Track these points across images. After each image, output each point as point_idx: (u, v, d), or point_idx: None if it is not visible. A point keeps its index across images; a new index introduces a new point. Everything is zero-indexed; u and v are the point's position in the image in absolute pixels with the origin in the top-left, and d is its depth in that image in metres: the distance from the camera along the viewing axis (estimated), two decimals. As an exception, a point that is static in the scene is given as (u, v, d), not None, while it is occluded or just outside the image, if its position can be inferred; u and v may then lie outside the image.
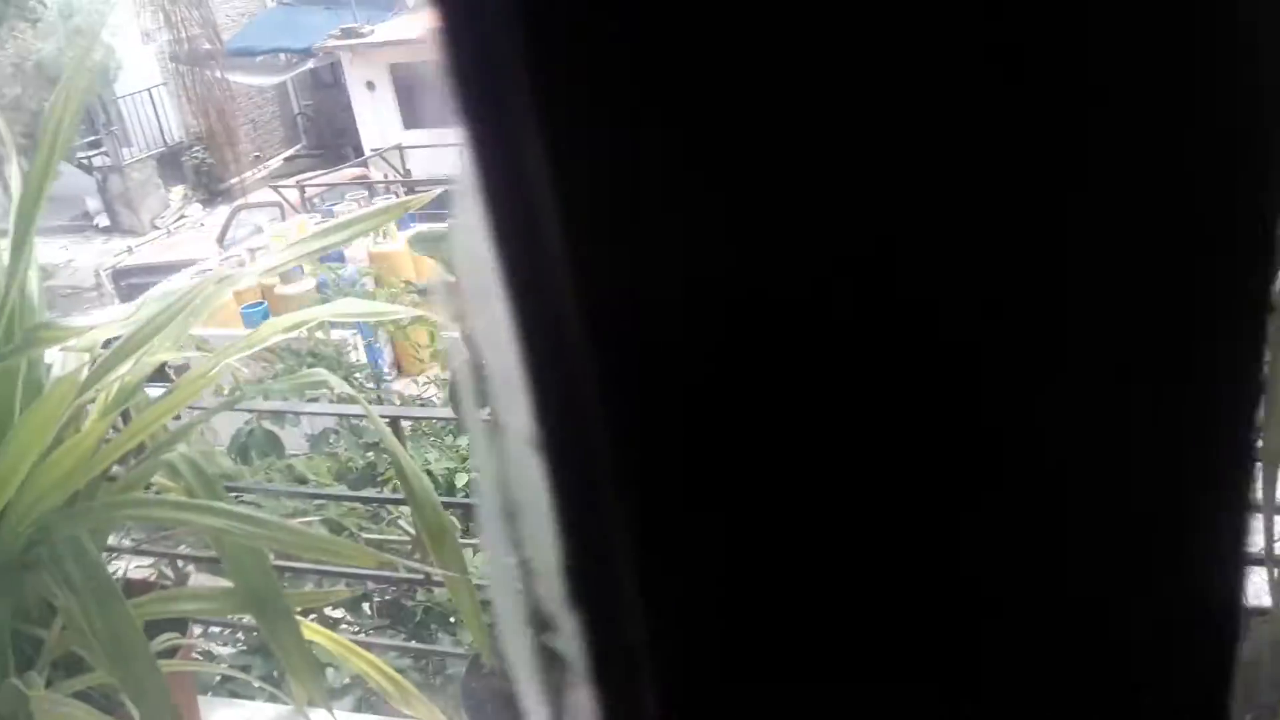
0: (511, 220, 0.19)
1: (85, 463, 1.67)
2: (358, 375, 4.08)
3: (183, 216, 14.57)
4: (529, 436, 0.19)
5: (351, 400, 2.13)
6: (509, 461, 0.21)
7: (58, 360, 1.98)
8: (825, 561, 0.19)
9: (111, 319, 1.94)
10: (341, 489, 3.25)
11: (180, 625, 2.09)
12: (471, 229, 0.19)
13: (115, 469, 1.97)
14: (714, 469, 0.18)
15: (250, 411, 3.12)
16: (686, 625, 0.19)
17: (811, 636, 0.19)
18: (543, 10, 0.17)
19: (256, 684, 2.61)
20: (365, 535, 3.14)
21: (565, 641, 0.20)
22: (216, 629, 2.99)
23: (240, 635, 2.96)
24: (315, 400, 3.59)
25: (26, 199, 1.78)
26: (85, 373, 1.76)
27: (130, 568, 2.73)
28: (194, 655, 2.25)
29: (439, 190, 2.66)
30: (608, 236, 0.18)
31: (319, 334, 3.80)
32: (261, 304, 7.28)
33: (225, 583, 2.53)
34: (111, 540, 2.24)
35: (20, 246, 1.75)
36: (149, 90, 14.56)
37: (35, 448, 1.62)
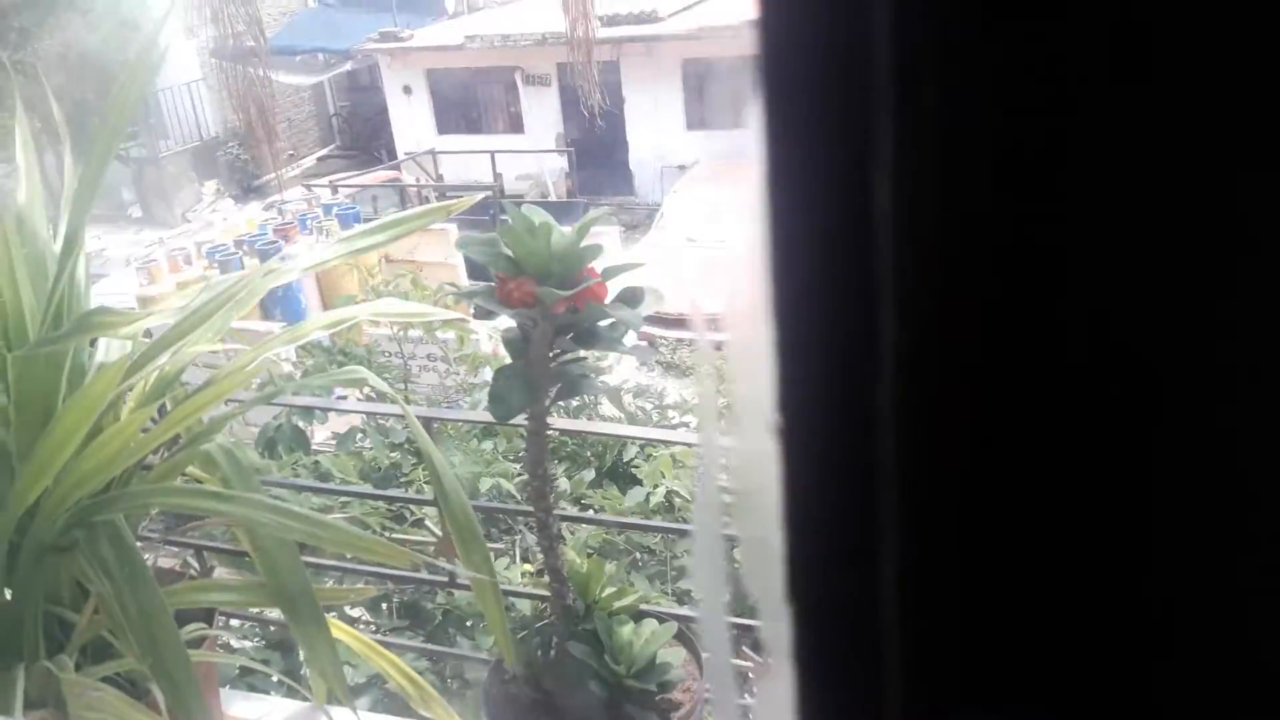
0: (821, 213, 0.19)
1: (124, 451, 1.68)
2: (387, 375, 4.10)
3: (215, 210, 14.71)
4: (772, 424, 0.19)
5: (388, 399, 2.14)
6: (738, 450, 0.21)
7: (101, 347, 2.00)
8: (1079, 581, 0.19)
9: (163, 309, 1.96)
10: (366, 487, 3.26)
11: (206, 616, 2.10)
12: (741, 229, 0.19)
13: (150, 456, 1.99)
14: (989, 488, 0.19)
15: (282, 406, 3.14)
16: (934, 629, 0.20)
17: (1055, 661, 0.20)
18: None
19: (275, 678, 2.62)
20: (390, 534, 3.15)
21: (770, 630, 0.21)
22: (235, 622, 3.00)
23: (258, 629, 2.97)
24: (344, 398, 3.62)
25: (82, 191, 1.80)
26: (128, 361, 1.78)
27: (156, 557, 2.76)
28: (216, 647, 2.26)
29: (479, 195, 2.67)
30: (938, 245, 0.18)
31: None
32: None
33: (250, 576, 2.55)
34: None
35: (73, 237, 1.78)
36: (188, 84, 14.73)
37: (77, 434, 1.63)
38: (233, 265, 7.82)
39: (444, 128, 15.38)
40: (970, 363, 0.18)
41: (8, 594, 1.76)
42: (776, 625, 0.21)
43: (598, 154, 14.32)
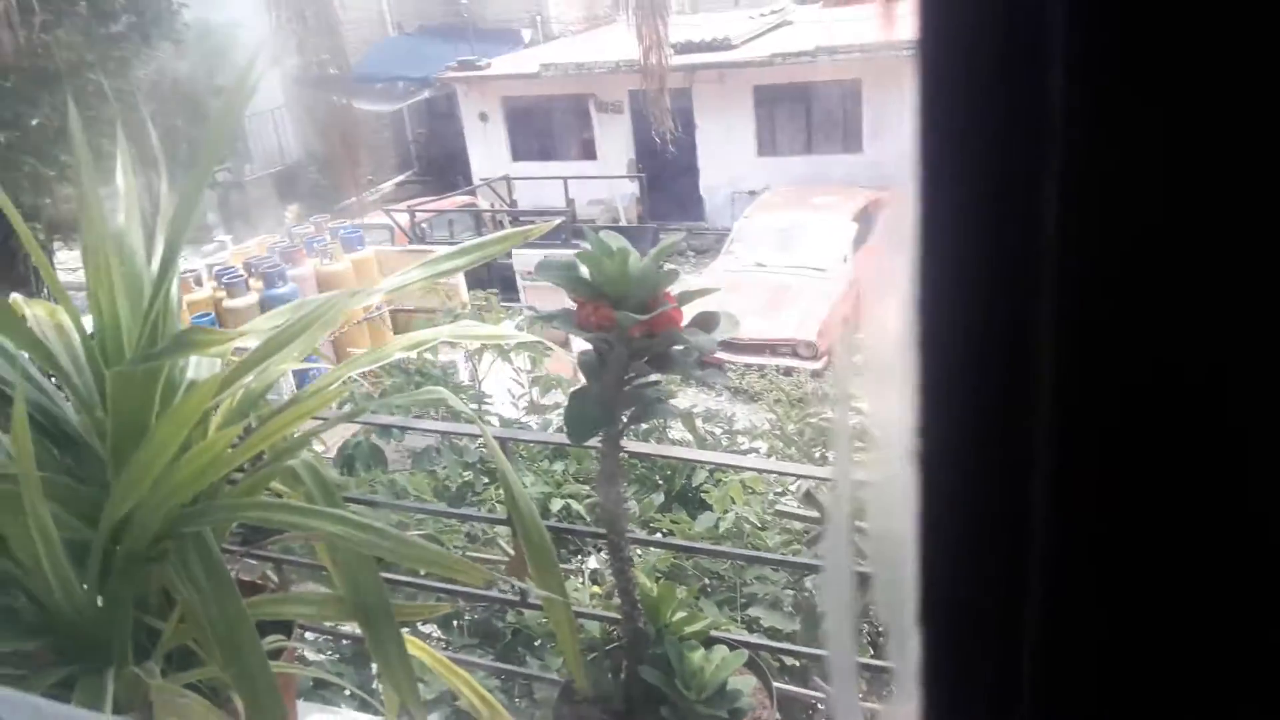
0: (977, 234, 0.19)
1: (213, 466, 1.74)
2: (461, 395, 4.17)
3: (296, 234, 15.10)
4: (912, 451, 0.20)
5: (465, 419, 2.18)
6: (876, 479, 0.22)
7: (192, 363, 2.07)
8: (1216, 629, 0.19)
9: (252, 329, 2.03)
10: (440, 505, 3.31)
11: (285, 628, 2.15)
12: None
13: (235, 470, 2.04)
14: (1141, 529, 0.19)
15: (360, 424, 3.21)
16: (1072, 664, 0.20)
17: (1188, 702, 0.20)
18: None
19: (349, 692, 2.66)
20: (463, 552, 3.20)
21: (896, 656, 0.21)
22: (310, 635, 3.06)
23: (331, 642, 3.03)
24: (421, 417, 3.68)
25: (178, 216, 1.87)
26: (218, 380, 1.84)
27: (236, 570, 2.83)
28: (294, 659, 2.30)
29: (555, 220, 2.72)
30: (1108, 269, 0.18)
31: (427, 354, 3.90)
32: (209, 315, 7.81)
33: (329, 589, 2.60)
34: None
35: (169, 259, 1.84)
36: (272, 111, 15.17)
37: (169, 449, 1.69)
38: (239, 287, 8.16)
39: (518, 154, 15.62)
40: (1133, 404, 0.18)
41: (99, 601, 1.82)
42: (904, 653, 0.21)
43: (668, 179, 14.40)
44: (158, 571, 1.87)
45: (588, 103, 15.18)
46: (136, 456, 1.69)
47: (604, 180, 14.12)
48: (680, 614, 2.04)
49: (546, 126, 15.77)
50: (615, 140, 15.19)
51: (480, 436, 2.14)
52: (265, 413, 2.07)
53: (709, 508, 3.20)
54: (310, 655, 2.99)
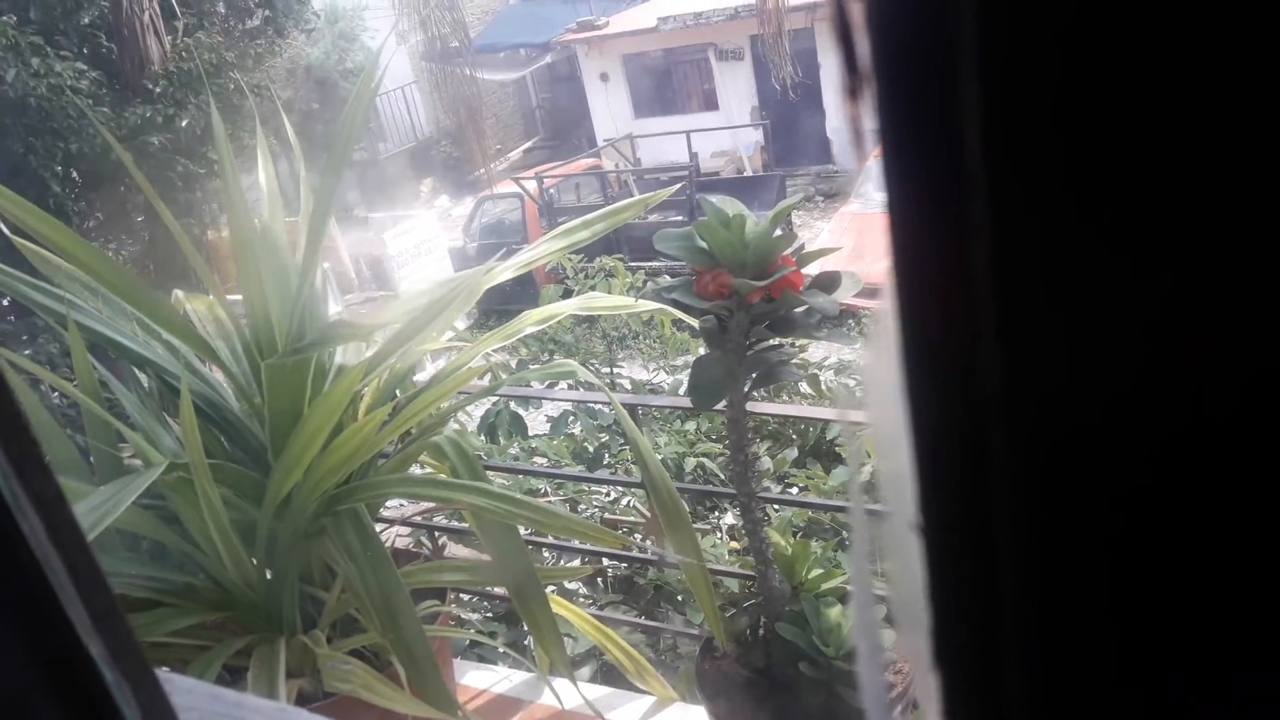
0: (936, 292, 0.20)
1: (364, 446, 1.84)
2: (593, 362, 4.25)
3: (432, 207, 15.52)
4: (913, 522, 0.22)
5: (594, 388, 2.24)
6: (890, 532, 0.24)
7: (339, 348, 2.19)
8: (1217, 686, 0.21)
9: (391, 313, 2.12)
10: (579, 469, 3.41)
11: (439, 593, 2.26)
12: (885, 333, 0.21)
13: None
14: (1120, 578, 0.21)
15: (499, 395, 3.32)
16: (1066, 700, 0.22)
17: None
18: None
19: (502, 650, 2.78)
20: (600, 514, 3.29)
21: (922, 697, 0.23)
22: (465, 597, 3.20)
23: (486, 604, 3.16)
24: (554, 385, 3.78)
25: (319, 207, 1.97)
26: (365, 365, 1.93)
27: (392, 536, 2.99)
28: (449, 622, 2.42)
29: (674, 187, 2.74)
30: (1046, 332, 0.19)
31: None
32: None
33: (477, 554, 2.72)
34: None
35: (312, 251, 1.94)
36: (402, 88, 15.57)
37: (323, 433, 1.80)
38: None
39: (640, 111, 15.61)
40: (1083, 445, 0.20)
41: (268, 575, 1.97)
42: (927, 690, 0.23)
43: (794, 124, 14.14)
44: (319, 546, 2.00)
45: (707, 52, 15.02)
46: (293, 441, 1.80)
47: (728, 130, 13.98)
48: (816, 571, 2.06)
49: (667, 80, 15.69)
50: (737, 88, 15.00)
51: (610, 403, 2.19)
52: (411, 391, 2.17)
53: (844, 461, 3.19)
54: (465, 615, 3.13)
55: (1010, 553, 0.21)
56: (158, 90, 5.21)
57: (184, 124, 5.22)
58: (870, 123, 0.20)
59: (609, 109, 15.61)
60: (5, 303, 4.45)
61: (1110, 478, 0.20)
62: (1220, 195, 0.18)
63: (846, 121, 0.22)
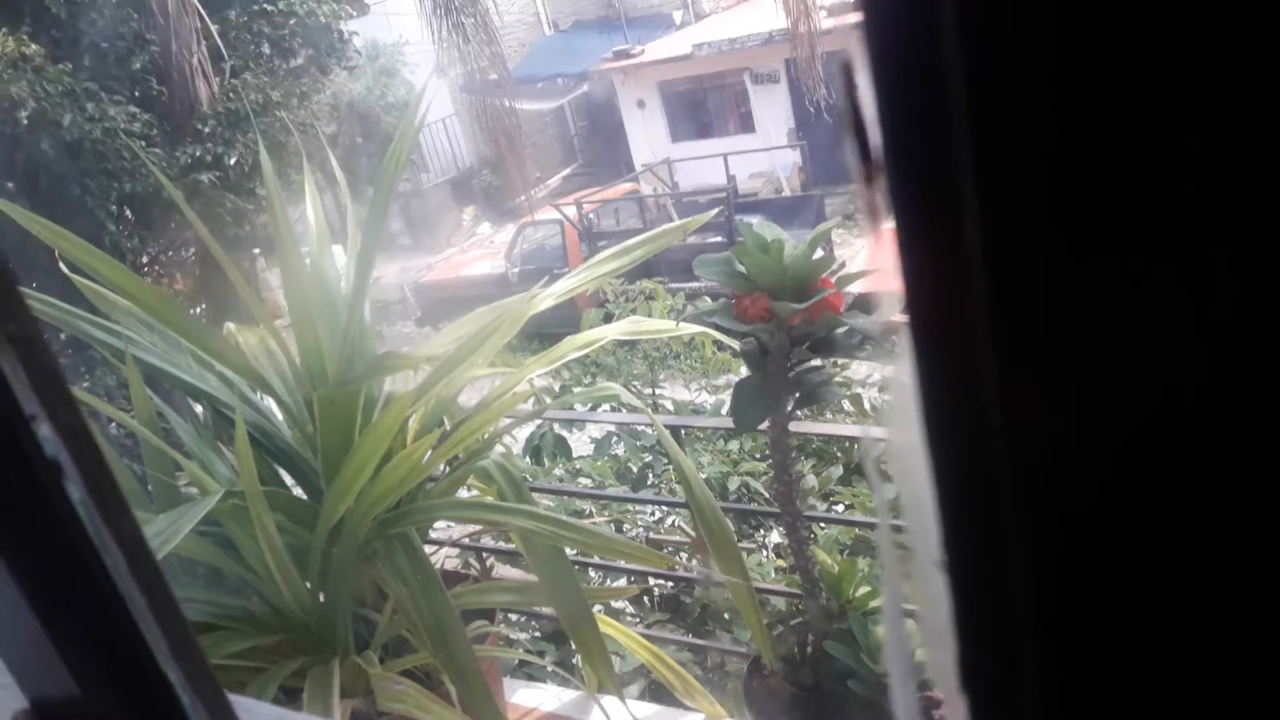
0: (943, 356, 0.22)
1: (413, 472, 1.88)
2: (635, 383, 4.28)
3: (474, 235, 15.70)
4: (936, 560, 0.24)
5: (637, 410, 2.27)
6: (916, 566, 0.26)
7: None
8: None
9: (437, 344, 2.16)
10: (623, 489, 3.43)
11: (488, 613, 2.29)
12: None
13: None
14: (1127, 615, 0.22)
15: (543, 419, 3.36)
16: None
17: None
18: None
19: (550, 669, 2.80)
20: (645, 533, 3.31)
21: (951, 716, 0.25)
22: (514, 616, 3.22)
23: (534, 623, 3.18)
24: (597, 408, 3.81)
25: (367, 240, 2.02)
26: (413, 395, 1.98)
27: (441, 558, 3.02)
28: (498, 641, 2.45)
29: (711, 212, 2.76)
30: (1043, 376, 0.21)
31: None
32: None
33: (524, 574, 2.75)
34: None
35: (361, 282, 2.00)
36: (443, 120, 15.80)
37: (373, 460, 1.84)
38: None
39: (677, 136, 15.69)
40: (1087, 494, 0.21)
41: (321, 598, 2.01)
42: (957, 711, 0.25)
43: (831, 144, 14.13)
44: (370, 569, 2.05)
45: (743, 76, 15.08)
46: (344, 468, 1.85)
47: (765, 152, 14.01)
48: (863, 589, 2.07)
49: (703, 105, 15.77)
50: (773, 110, 15.04)
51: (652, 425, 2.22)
52: (458, 417, 2.21)
53: (889, 479, 3.18)
54: (514, 634, 3.15)
55: (1024, 588, 0.23)
56: (207, 130, 5.35)
57: (232, 161, 5.35)
58: (883, 202, 0.23)
59: (646, 134, 15.72)
60: (63, 338, 4.58)
61: (1114, 515, 0.22)
62: (1209, 239, 0.20)
63: (863, 202, 0.25)
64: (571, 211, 10.67)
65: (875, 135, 0.23)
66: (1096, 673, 0.23)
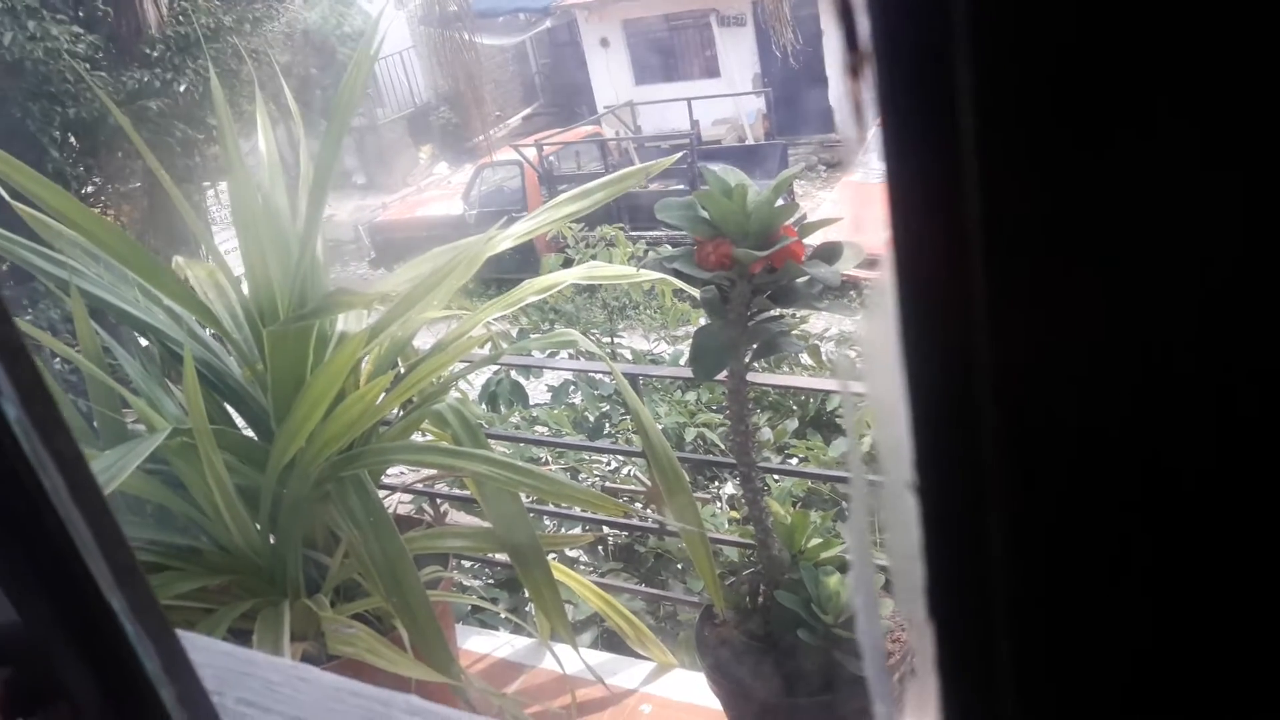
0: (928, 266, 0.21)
1: (366, 413, 1.85)
2: (594, 331, 4.26)
3: (431, 174, 15.47)
4: (909, 482, 0.23)
5: (595, 358, 2.25)
6: (887, 497, 0.24)
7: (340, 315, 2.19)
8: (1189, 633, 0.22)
9: (391, 283, 2.12)
10: (580, 437, 3.42)
11: (441, 559, 2.28)
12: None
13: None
14: (1094, 529, 0.21)
15: (500, 364, 3.33)
16: (1046, 653, 0.23)
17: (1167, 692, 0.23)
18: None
19: (504, 615, 2.81)
20: (601, 482, 3.31)
21: (916, 645, 0.24)
22: (468, 563, 3.22)
23: (489, 570, 3.19)
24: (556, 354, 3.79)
25: (319, 176, 1.97)
26: (366, 333, 1.94)
27: (394, 503, 3.00)
28: (451, 587, 2.45)
29: (675, 156, 2.73)
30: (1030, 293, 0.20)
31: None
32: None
33: (479, 520, 2.74)
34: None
35: (313, 218, 1.94)
36: (400, 53, 15.46)
37: (325, 400, 1.81)
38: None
39: (641, 78, 15.51)
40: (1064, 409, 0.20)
41: (272, 540, 1.98)
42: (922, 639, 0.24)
43: (796, 92, 14.05)
44: (322, 511, 2.02)
45: (709, 18, 14.90)
46: (296, 407, 1.81)
47: (729, 98, 13.90)
48: (815, 540, 2.08)
49: (668, 47, 15.58)
50: (739, 55, 14.90)
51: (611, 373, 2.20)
52: (413, 359, 2.18)
53: (844, 432, 3.21)
54: (467, 581, 3.16)
55: (1000, 511, 0.21)
56: (155, 55, 5.17)
57: (182, 89, 5.18)
58: (870, 98, 0.21)
59: (609, 75, 15.52)
60: (5, 268, 4.45)
61: (1096, 438, 0.21)
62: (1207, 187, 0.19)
63: (847, 97, 0.23)
64: (531, 153, 10.54)
65: (863, 20, 0.21)
66: (1072, 596, 0.23)
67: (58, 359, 3.81)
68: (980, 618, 0.23)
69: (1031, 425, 0.21)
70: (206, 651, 0.54)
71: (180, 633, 0.54)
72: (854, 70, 0.22)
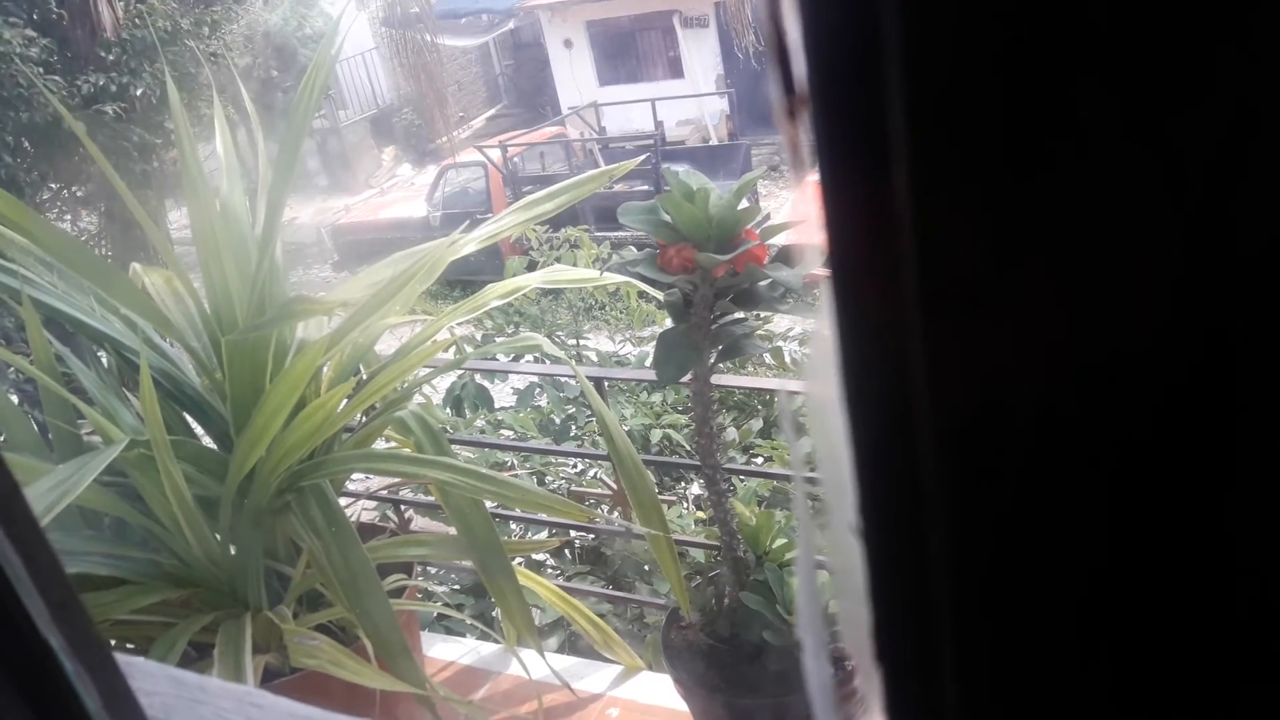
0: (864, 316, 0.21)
1: (327, 422, 1.83)
2: (559, 333, 4.25)
3: (394, 176, 15.36)
4: (852, 525, 0.23)
5: (560, 361, 2.24)
6: (832, 536, 0.24)
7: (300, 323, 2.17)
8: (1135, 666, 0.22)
9: (352, 289, 2.10)
10: (545, 441, 3.41)
11: (406, 567, 2.27)
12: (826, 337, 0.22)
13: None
14: (1044, 577, 0.21)
15: (464, 369, 3.31)
16: (992, 699, 0.23)
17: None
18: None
19: (469, 622, 2.79)
20: (567, 485, 3.30)
21: (865, 686, 0.24)
22: (433, 569, 3.20)
23: (454, 576, 3.17)
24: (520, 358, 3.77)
25: (278, 179, 1.94)
26: (326, 341, 1.92)
27: (358, 511, 2.98)
28: (416, 595, 2.43)
29: (639, 158, 2.72)
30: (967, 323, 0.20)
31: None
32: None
33: (444, 527, 2.73)
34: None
35: (271, 224, 1.92)
36: (362, 55, 15.35)
37: (285, 408, 1.78)
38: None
39: (605, 79, 15.49)
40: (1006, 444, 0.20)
41: (232, 551, 1.96)
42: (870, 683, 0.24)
43: (759, 93, 14.09)
44: (283, 522, 2.00)
45: (672, 19, 14.91)
46: (255, 417, 1.79)
47: (693, 99, 13.92)
48: (780, 541, 2.08)
49: (631, 48, 15.58)
50: (702, 56, 14.92)
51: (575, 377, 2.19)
52: (375, 366, 2.16)
53: (808, 433, 3.22)
54: (432, 587, 3.14)
55: (943, 559, 0.21)
56: (111, 58, 5.08)
57: (139, 93, 5.10)
58: (807, 141, 0.21)
59: (573, 76, 15.49)
60: (-43, 276, 4.35)
61: (1044, 480, 0.21)
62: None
63: (786, 140, 0.22)
64: (496, 154, 10.49)
65: (800, 63, 0.20)
66: (1018, 647, 0.22)
67: (11, 370, 3.75)
68: (928, 662, 0.22)
69: (972, 463, 0.21)
70: (154, 679, 0.53)
71: (127, 659, 0.53)
72: (791, 113, 0.22)
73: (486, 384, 3.63)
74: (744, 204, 1.76)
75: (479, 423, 3.43)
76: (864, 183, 0.20)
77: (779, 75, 0.21)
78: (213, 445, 2.04)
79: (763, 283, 1.76)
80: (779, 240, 1.90)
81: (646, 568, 3.19)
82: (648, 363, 3.74)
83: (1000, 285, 0.20)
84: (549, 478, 3.33)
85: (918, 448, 0.21)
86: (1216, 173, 0.18)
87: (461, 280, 9.29)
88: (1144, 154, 0.18)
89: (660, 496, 2.20)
